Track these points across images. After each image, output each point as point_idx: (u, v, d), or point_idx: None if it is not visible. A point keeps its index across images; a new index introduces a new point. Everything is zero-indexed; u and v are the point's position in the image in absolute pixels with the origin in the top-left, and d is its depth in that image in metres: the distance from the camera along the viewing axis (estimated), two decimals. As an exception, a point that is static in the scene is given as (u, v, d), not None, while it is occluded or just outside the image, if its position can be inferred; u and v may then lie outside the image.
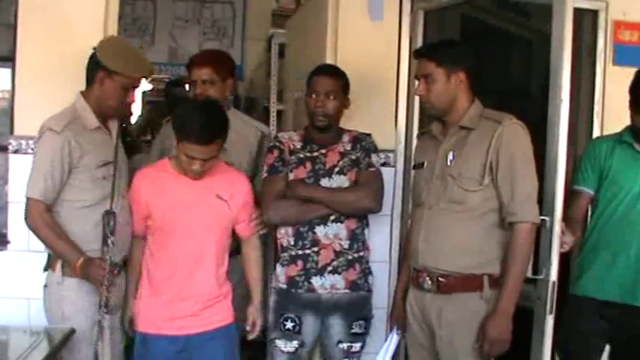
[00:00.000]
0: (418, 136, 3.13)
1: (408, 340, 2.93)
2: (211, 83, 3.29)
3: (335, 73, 3.07)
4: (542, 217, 2.69)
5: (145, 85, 6.89)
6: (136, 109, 6.84)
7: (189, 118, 2.64)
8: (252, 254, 3.01)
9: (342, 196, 2.98)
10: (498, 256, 2.65)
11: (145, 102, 6.63)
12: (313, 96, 3.01)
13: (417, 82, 2.77)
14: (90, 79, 2.79)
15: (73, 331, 2.44)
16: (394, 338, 2.97)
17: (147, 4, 6.01)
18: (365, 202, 2.98)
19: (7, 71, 3.35)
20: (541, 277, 2.76)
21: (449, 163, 2.71)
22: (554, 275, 2.74)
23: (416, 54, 2.88)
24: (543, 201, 2.77)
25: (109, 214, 2.60)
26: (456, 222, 2.67)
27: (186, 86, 3.90)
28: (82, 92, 2.82)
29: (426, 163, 2.83)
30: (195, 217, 2.75)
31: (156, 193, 2.75)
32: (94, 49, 2.77)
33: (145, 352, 2.77)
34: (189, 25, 6.04)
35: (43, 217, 2.68)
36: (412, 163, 3.11)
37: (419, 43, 3.47)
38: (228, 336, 2.85)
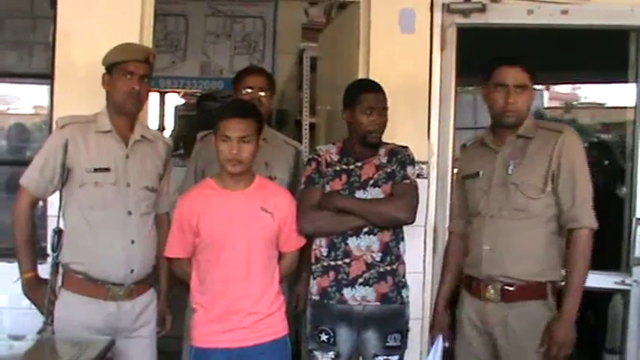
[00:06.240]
0: (462, 147, 3.15)
1: (459, 351, 2.92)
2: (265, 92, 3.38)
3: (381, 87, 3.06)
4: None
5: (178, 100, 7.02)
6: (169, 124, 6.96)
7: (223, 106, 3.09)
8: (282, 264, 2.95)
9: (376, 206, 2.98)
10: (559, 263, 2.75)
11: (178, 116, 6.72)
12: (367, 112, 2.98)
13: (497, 88, 2.77)
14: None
15: (112, 343, 2.47)
16: (439, 346, 2.92)
17: (178, 19, 6.06)
18: (398, 213, 2.97)
19: (45, 88, 3.43)
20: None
21: (509, 171, 2.77)
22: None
23: (510, 61, 2.81)
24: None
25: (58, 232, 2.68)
26: (520, 229, 2.75)
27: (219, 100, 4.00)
28: None
29: (481, 173, 2.87)
30: (242, 230, 2.77)
31: (203, 211, 2.77)
32: None
33: None
34: (221, 40, 6.07)
35: (26, 211, 2.76)
36: (460, 174, 3.10)
37: (452, 56, 3.49)
38: (281, 349, 2.86)
